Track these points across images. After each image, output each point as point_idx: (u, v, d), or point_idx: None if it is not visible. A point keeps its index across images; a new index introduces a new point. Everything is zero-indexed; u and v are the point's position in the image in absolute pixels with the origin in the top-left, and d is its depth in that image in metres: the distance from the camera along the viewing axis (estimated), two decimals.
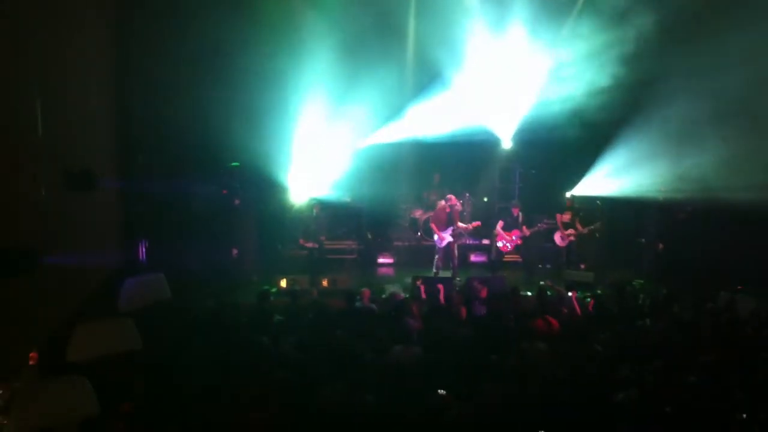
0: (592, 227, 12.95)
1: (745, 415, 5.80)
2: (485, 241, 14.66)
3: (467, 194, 14.97)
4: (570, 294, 10.05)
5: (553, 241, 13.38)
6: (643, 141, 13.02)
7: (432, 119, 14.07)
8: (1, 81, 5.09)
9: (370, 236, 14.90)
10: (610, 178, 13.52)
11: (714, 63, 11.52)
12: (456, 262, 12.83)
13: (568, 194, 13.58)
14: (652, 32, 12.47)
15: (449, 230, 12.60)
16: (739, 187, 11.28)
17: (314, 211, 12.60)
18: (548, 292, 10.14)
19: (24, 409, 4.36)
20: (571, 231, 12.95)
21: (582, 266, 13.17)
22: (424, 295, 10.13)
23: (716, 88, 11.51)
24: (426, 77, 13.91)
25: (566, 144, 13.71)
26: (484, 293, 10.15)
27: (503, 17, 13.33)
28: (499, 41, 13.57)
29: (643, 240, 13.79)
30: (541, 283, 11.34)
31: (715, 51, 11.38)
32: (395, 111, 14.06)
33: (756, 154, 11.43)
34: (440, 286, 10.29)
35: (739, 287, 10.42)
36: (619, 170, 13.41)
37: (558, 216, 13.21)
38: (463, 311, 9.02)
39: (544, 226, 13.33)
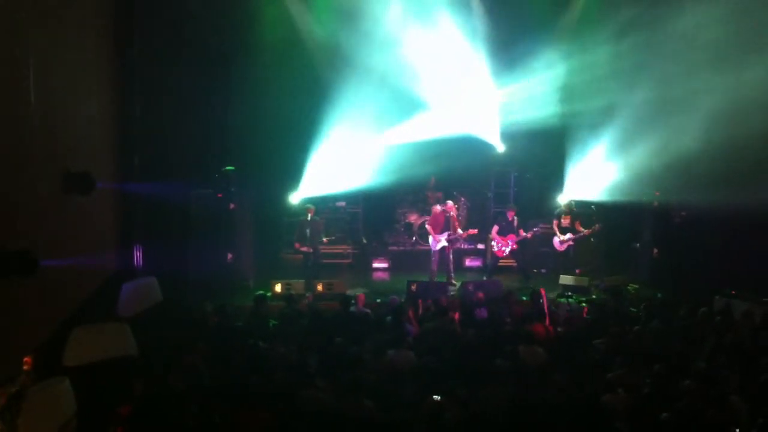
0: (593, 229, 12.91)
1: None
2: (480, 246, 14.67)
3: (462, 198, 14.98)
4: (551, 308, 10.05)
5: (549, 245, 13.33)
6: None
7: (421, 131, 14.13)
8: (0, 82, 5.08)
9: (365, 241, 14.90)
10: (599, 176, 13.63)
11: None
12: (451, 266, 12.84)
13: (566, 198, 13.55)
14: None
15: (445, 234, 12.61)
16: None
17: (308, 215, 12.54)
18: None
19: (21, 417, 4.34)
20: (570, 235, 12.90)
21: (577, 271, 13.16)
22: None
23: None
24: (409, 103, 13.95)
25: (553, 141, 13.99)
26: (481, 296, 10.17)
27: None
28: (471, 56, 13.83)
29: (638, 245, 13.81)
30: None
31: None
32: (389, 120, 14.09)
33: None
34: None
35: (733, 292, 10.46)
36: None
37: (555, 221, 13.07)
38: (456, 316, 9.03)
39: (540, 230, 13.29)
